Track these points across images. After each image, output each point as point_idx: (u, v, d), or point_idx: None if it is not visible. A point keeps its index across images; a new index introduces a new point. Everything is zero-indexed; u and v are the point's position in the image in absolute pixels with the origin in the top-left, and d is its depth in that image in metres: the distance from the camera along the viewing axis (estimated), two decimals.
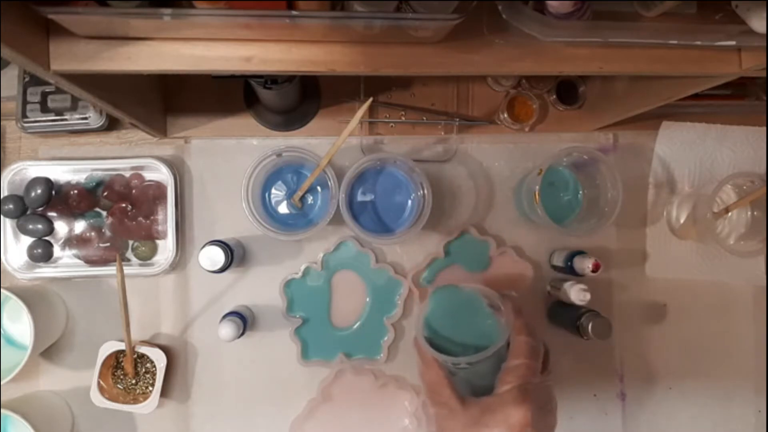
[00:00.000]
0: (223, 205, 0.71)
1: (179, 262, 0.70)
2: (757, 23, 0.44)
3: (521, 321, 0.54)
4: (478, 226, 0.74)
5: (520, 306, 0.55)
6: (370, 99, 0.60)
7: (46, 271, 0.68)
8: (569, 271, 0.69)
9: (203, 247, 0.62)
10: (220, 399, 0.71)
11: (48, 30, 0.44)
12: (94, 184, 0.69)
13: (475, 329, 0.55)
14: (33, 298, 0.64)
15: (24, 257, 0.68)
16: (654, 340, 0.76)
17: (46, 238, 0.68)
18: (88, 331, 0.70)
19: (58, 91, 0.66)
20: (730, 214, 0.73)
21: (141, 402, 0.66)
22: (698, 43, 0.48)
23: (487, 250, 0.73)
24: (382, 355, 0.72)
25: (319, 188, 0.69)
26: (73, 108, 0.67)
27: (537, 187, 0.65)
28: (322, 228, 0.63)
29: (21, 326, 0.67)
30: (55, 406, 0.68)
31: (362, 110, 0.58)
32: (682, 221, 0.75)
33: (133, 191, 0.70)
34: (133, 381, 0.68)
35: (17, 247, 0.68)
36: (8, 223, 0.67)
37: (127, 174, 0.70)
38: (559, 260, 0.72)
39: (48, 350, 0.69)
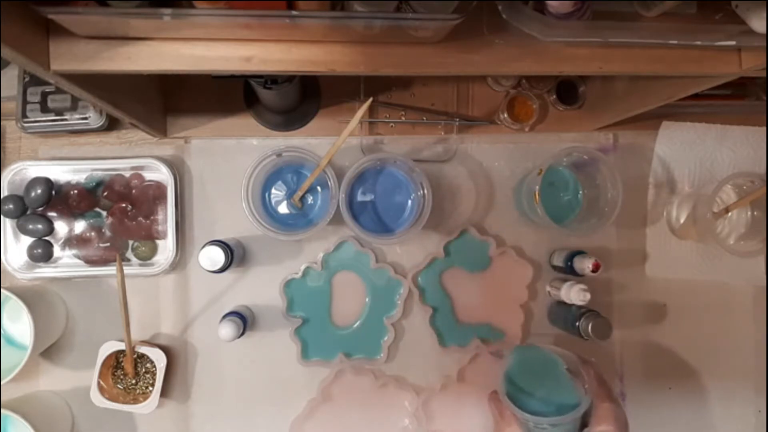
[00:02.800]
0: (223, 205, 0.71)
1: (179, 262, 0.70)
2: (757, 23, 0.44)
3: (606, 388, 0.54)
4: (478, 226, 0.74)
5: (602, 373, 0.56)
6: (370, 99, 0.60)
7: (46, 271, 0.68)
8: (569, 271, 0.69)
9: (203, 247, 0.62)
10: (220, 399, 0.71)
11: (48, 30, 0.44)
12: (94, 184, 0.69)
13: (553, 391, 0.55)
14: (33, 298, 0.64)
15: (24, 257, 0.68)
16: (654, 340, 0.76)
17: (46, 238, 0.68)
18: (88, 331, 0.70)
19: (58, 91, 0.66)
20: (730, 214, 0.73)
21: (141, 402, 0.66)
22: (698, 43, 0.48)
23: (487, 250, 0.73)
24: (382, 355, 0.72)
25: (319, 188, 0.69)
26: (73, 108, 0.67)
27: (537, 187, 0.65)
28: (322, 228, 0.63)
29: (21, 326, 0.67)
30: (55, 406, 0.68)
31: (362, 110, 0.58)
32: (682, 221, 0.75)
33: (133, 191, 0.70)
34: (133, 381, 0.68)
35: (17, 247, 0.68)
36: (8, 223, 0.67)
37: (127, 174, 0.70)
38: (559, 260, 0.72)
39: (48, 350, 0.69)
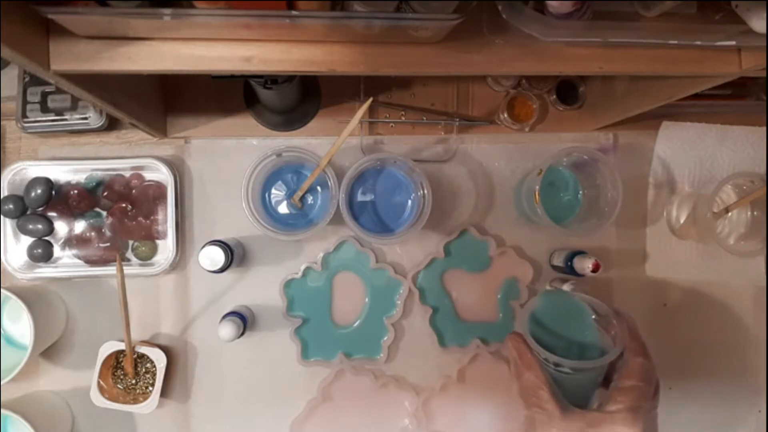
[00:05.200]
0: (223, 205, 0.71)
1: (179, 262, 0.70)
2: (757, 23, 0.44)
3: (639, 343, 0.52)
4: (478, 226, 0.74)
5: (637, 326, 0.54)
6: (370, 99, 0.60)
7: (46, 271, 0.68)
8: (569, 271, 0.69)
9: (203, 247, 0.62)
10: (220, 399, 0.71)
11: (48, 30, 0.44)
12: (94, 184, 0.69)
13: (576, 339, 0.54)
14: (33, 298, 0.64)
15: (24, 257, 0.68)
16: (654, 340, 0.75)
17: (46, 238, 0.68)
18: (88, 331, 0.70)
19: (58, 91, 0.66)
20: (730, 214, 0.73)
21: (141, 402, 0.66)
22: (698, 43, 0.48)
23: (487, 250, 0.73)
24: (382, 355, 0.72)
25: (319, 188, 0.69)
26: (73, 108, 0.67)
27: (537, 187, 0.65)
28: (322, 228, 0.63)
29: (21, 326, 0.67)
30: (55, 406, 0.68)
31: (362, 110, 0.58)
32: (682, 221, 0.75)
33: (133, 191, 0.70)
34: (133, 381, 0.68)
35: (17, 247, 0.68)
36: (8, 223, 0.67)
37: (127, 174, 0.70)
38: (559, 260, 0.72)
39: (48, 350, 0.69)
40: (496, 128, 0.75)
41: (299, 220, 0.69)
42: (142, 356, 0.68)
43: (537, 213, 0.66)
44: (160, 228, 0.69)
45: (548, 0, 0.44)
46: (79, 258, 0.69)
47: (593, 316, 0.55)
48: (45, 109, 0.66)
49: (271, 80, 0.58)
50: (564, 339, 0.54)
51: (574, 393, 0.51)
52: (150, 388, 0.67)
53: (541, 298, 0.57)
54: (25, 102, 0.66)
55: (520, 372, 0.53)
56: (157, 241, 0.70)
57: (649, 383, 0.50)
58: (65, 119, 0.67)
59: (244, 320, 0.66)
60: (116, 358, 0.68)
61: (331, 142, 0.62)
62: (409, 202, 0.69)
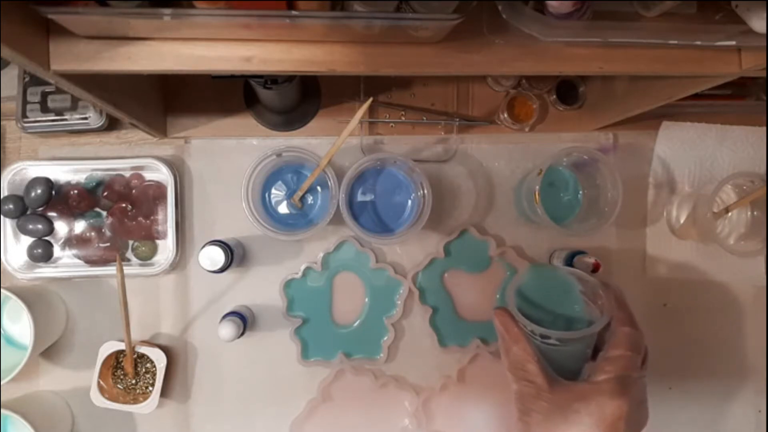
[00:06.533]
0: (223, 205, 0.71)
1: (179, 262, 0.70)
2: (757, 23, 0.44)
3: (626, 313, 0.52)
4: (478, 226, 0.74)
5: (624, 297, 0.53)
6: (370, 99, 0.60)
7: (46, 271, 0.68)
8: None
9: (203, 247, 0.62)
10: (220, 399, 0.71)
11: (48, 30, 0.44)
12: (94, 184, 0.69)
13: (563, 312, 0.54)
14: (33, 298, 0.64)
15: (24, 257, 0.68)
16: (654, 340, 0.75)
17: (46, 238, 0.68)
18: (88, 331, 0.70)
19: (58, 91, 0.66)
20: (730, 214, 0.73)
21: (141, 402, 0.66)
22: (698, 43, 0.48)
23: (487, 250, 0.73)
24: (382, 355, 0.72)
25: (319, 188, 0.69)
26: (73, 108, 0.67)
27: (537, 187, 0.65)
28: (322, 228, 0.63)
29: (21, 326, 0.67)
30: (55, 406, 0.68)
31: (362, 110, 0.58)
32: (682, 221, 0.75)
33: (133, 191, 0.70)
34: (133, 381, 0.68)
35: (17, 247, 0.68)
36: (8, 223, 0.67)
37: (127, 174, 0.70)
38: (559, 260, 0.71)
39: (48, 350, 0.69)
40: (496, 128, 0.75)
41: (299, 220, 0.69)
42: (142, 356, 0.68)
43: (537, 213, 0.66)
44: (160, 228, 0.69)
45: (548, 0, 0.44)
46: (79, 258, 0.69)
47: (580, 288, 0.55)
48: (45, 109, 0.66)
49: (271, 80, 0.58)
50: (551, 312, 0.54)
51: (563, 366, 0.51)
52: (150, 388, 0.67)
53: (527, 273, 0.57)
54: (25, 102, 0.66)
55: (507, 347, 0.52)
56: (157, 241, 0.70)
57: (637, 352, 0.50)
58: (65, 119, 0.67)
59: (244, 320, 0.66)
60: (116, 358, 0.68)
61: (331, 142, 0.62)
62: (409, 202, 0.69)
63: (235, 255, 0.65)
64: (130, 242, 0.70)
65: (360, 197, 0.69)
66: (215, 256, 0.62)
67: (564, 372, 0.51)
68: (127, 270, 0.67)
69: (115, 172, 0.70)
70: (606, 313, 0.52)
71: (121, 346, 0.66)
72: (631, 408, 0.46)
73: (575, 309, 0.54)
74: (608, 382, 0.47)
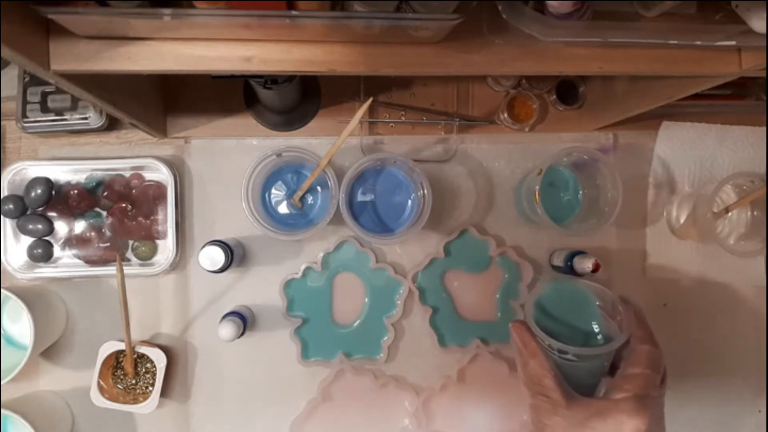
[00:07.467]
0: (223, 205, 0.71)
1: (179, 262, 0.70)
2: (757, 23, 0.44)
3: (646, 330, 0.51)
4: (478, 226, 0.74)
5: (644, 314, 0.53)
6: (370, 99, 0.60)
7: (46, 271, 0.68)
8: (569, 271, 0.69)
9: (203, 247, 0.62)
10: (220, 399, 0.71)
11: (48, 30, 0.44)
12: (94, 184, 0.69)
13: (581, 327, 0.53)
14: (33, 298, 0.64)
15: (24, 257, 0.68)
16: None
17: (46, 238, 0.68)
18: (88, 331, 0.70)
19: (58, 91, 0.66)
20: (730, 214, 0.73)
21: (141, 402, 0.66)
22: (698, 43, 0.48)
23: (487, 250, 0.73)
24: (382, 355, 0.72)
25: (319, 188, 0.69)
26: (73, 108, 0.67)
27: (537, 187, 0.65)
28: (322, 228, 0.63)
29: (21, 326, 0.67)
30: (55, 406, 0.68)
31: (362, 110, 0.58)
32: (682, 221, 0.75)
33: (133, 191, 0.70)
34: (133, 381, 0.68)
35: (17, 247, 0.68)
36: (8, 223, 0.67)
37: (127, 174, 0.70)
38: (559, 260, 0.72)
39: (48, 350, 0.69)
40: (496, 128, 0.75)
41: (299, 220, 0.69)
42: (142, 356, 0.68)
43: (537, 213, 0.66)
44: (160, 228, 0.69)
45: (548, 0, 0.44)
46: (79, 258, 0.69)
47: (598, 303, 0.54)
48: (45, 109, 0.66)
49: (271, 80, 0.58)
50: (569, 326, 0.53)
51: (580, 381, 0.50)
52: (150, 388, 0.67)
53: (546, 286, 0.56)
54: (25, 102, 0.66)
55: (524, 361, 0.52)
56: (157, 241, 0.70)
57: (657, 371, 0.49)
58: (65, 119, 0.67)
59: (244, 320, 0.66)
60: (116, 358, 0.68)
61: (331, 142, 0.62)
62: (409, 202, 0.69)
63: (235, 255, 0.65)
64: (130, 242, 0.70)
65: (360, 197, 0.69)
66: (215, 256, 0.62)
67: (580, 387, 0.50)
68: (127, 270, 0.67)
69: (115, 172, 0.70)
70: (625, 329, 0.51)
71: (121, 346, 0.66)
72: (649, 428, 0.45)
73: (593, 324, 0.53)
74: (627, 401, 0.46)
